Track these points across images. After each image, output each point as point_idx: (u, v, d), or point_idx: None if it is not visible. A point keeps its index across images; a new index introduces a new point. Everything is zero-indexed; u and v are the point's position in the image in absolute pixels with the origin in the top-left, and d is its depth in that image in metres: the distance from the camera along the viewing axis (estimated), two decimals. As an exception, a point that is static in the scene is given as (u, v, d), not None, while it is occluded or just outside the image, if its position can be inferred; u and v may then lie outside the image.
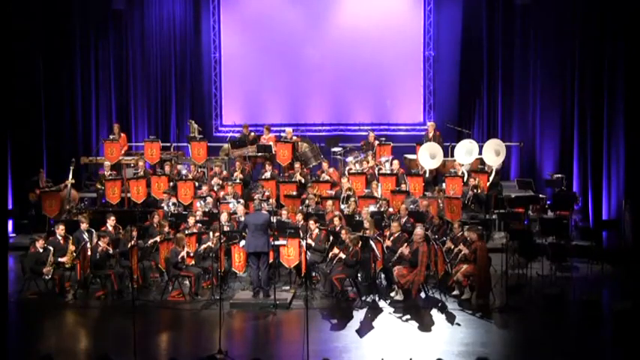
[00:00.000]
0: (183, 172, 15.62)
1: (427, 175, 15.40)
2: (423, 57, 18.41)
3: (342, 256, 11.58)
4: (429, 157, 15.38)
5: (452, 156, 15.75)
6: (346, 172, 15.43)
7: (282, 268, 12.37)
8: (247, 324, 10.97)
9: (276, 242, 11.86)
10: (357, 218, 13.10)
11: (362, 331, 10.65)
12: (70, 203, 14.91)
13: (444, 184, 14.86)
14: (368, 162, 15.51)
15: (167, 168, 15.56)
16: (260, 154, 16.07)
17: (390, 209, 13.65)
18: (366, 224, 12.30)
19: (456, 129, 17.37)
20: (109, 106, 18.34)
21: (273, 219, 12.61)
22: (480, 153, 15.47)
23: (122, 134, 16.83)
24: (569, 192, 15.30)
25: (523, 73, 17.39)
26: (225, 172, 15.68)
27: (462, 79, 18.19)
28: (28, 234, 14.64)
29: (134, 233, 11.98)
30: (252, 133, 16.86)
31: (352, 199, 14.09)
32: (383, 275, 12.24)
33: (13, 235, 15.35)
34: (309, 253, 11.82)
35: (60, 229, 12.28)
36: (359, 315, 11.09)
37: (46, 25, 17.12)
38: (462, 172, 14.95)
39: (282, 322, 10.94)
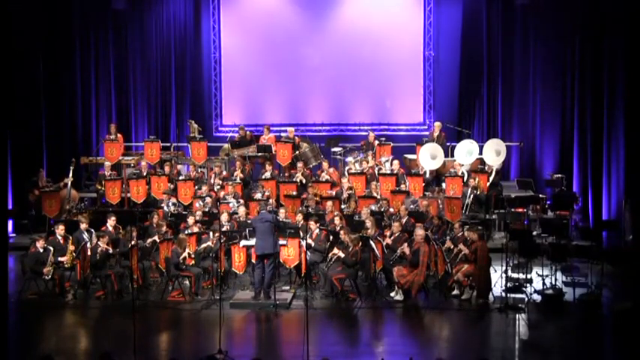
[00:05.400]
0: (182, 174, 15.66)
1: (427, 175, 15.39)
2: (423, 57, 18.39)
3: (341, 255, 11.58)
4: (429, 157, 15.37)
5: (452, 156, 15.74)
6: (346, 172, 15.43)
7: (282, 268, 12.36)
8: (247, 324, 10.97)
9: (277, 242, 11.87)
10: (357, 218, 13.11)
11: (362, 332, 10.66)
12: (70, 203, 14.91)
13: (443, 184, 14.87)
14: (368, 162, 15.51)
15: (167, 168, 15.56)
16: (260, 154, 16.08)
17: (391, 209, 13.66)
18: (368, 223, 12.30)
19: (456, 129, 17.36)
20: (109, 106, 18.33)
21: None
22: (480, 153, 15.46)
23: (119, 135, 16.79)
24: (569, 192, 15.30)
25: (523, 73, 17.39)
26: (225, 172, 15.69)
27: (461, 79, 18.17)
28: (28, 234, 14.66)
29: (134, 233, 11.97)
30: (249, 133, 16.88)
31: (352, 199, 14.10)
32: (383, 275, 12.24)
33: (13, 235, 15.35)
34: (309, 253, 11.82)
35: (60, 229, 12.27)
36: (359, 315, 11.09)
37: (46, 25, 17.13)
38: (462, 172, 14.95)
39: (282, 322, 10.94)
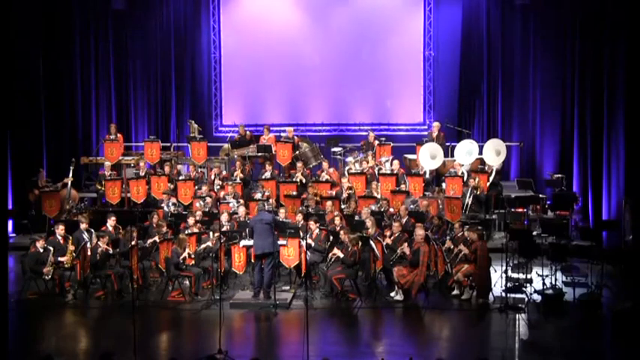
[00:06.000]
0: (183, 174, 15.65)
1: (427, 175, 15.39)
2: (423, 57, 18.39)
3: (340, 255, 11.58)
4: (429, 157, 15.37)
5: (452, 156, 15.74)
6: (346, 172, 15.43)
7: (282, 268, 12.36)
8: (247, 324, 10.97)
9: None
10: (357, 218, 13.11)
11: (362, 332, 10.66)
12: (70, 203, 14.91)
13: (443, 184, 14.87)
14: (368, 162, 15.51)
15: (167, 168, 15.56)
16: (260, 154, 16.08)
17: (391, 209, 13.66)
18: (368, 223, 12.31)
19: (456, 129, 17.36)
20: (109, 106, 18.34)
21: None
22: (480, 153, 15.46)
23: (119, 135, 16.79)
24: (569, 192, 15.30)
25: (523, 73, 17.39)
26: (225, 172, 15.70)
27: (461, 79, 18.17)
28: (28, 234, 14.65)
29: (134, 233, 11.97)
30: (249, 133, 16.89)
31: (352, 199, 14.10)
32: (383, 275, 12.24)
33: (13, 235, 15.36)
34: (309, 253, 11.82)
35: (60, 229, 12.27)
36: (359, 315, 11.09)
37: (46, 25, 17.14)
38: (462, 172, 14.95)
39: (282, 322, 10.93)
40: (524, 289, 11.58)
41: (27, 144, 16.26)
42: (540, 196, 14.72)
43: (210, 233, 12.52)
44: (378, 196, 14.13)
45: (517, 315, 10.88)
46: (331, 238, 12.39)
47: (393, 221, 12.57)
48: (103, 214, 13.27)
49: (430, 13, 18.28)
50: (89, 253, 11.87)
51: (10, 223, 14.83)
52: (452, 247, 11.87)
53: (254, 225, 11.59)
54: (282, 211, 13.33)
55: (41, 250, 11.86)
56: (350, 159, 15.97)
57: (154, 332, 10.59)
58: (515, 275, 12.09)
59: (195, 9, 18.75)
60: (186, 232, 12.42)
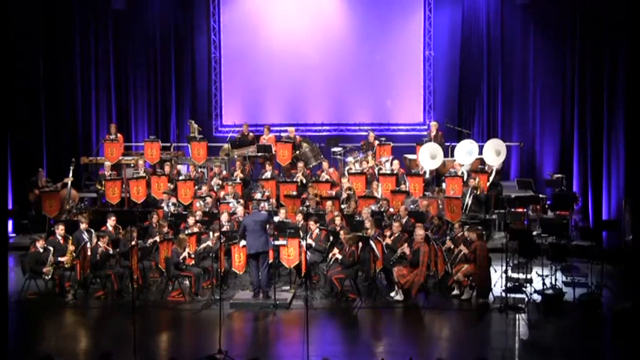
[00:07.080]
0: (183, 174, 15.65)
1: (427, 175, 15.39)
2: (423, 57, 18.39)
3: (339, 256, 11.59)
4: (429, 157, 15.38)
5: (452, 156, 15.75)
6: (346, 172, 15.44)
7: (282, 268, 12.36)
8: (247, 324, 10.97)
9: (276, 242, 11.86)
10: (357, 218, 13.11)
11: (362, 331, 10.66)
12: (70, 203, 14.92)
13: (443, 184, 14.87)
14: (368, 162, 15.51)
15: (167, 168, 15.56)
16: (260, 154, 16.08)
17: (391, 209, 13.67)
18: (368, 223, 12.31)
19: (456, 129, 17.36)
20: (109, 106, 18.33)
21: (275, 219, 12.64)
22: (480, 153, 15.47)
23: (119, 135, 16.78)
24: (569, 192, 15.30)
25: (523, 73, 17.40)
26: (225, 172, 15.70)
27: (461, 79, 18.18)
28: (28, 234, 14.65)
29: (134, 233, 11.96)
30: (251, 134, 16.89)
31: (352, 199, 14.11)
32: (383, 275, 12.24)
33: (13, 235, 15.36)
34: (309, 253, 11.82)
35: (60, 229, 12.27)
36: (359, 315, 11.09)
37: (46, 25, 17.14)
38: (462, 172, 14.96)
39: (282, 322, 10.94)
40: (524, 289, 11.57)
41: (27, 144, 16.26)
42: (540, 196, 14.72)
43: (210, 233, 12.52)
44: (379, 196, 14.13)
45: (517, 315, 10.88)
46: (331, 238, 12.39)
47: (393, 221, 12.57)
48: (103, 214, 13.27)
49: (430, 13, 18.28)
50: (89, 253, 11.88)
51: (10, 223, 14.83)
52: (452, 247, 11.87)
53: (247, 224, 11.56)
54: (282, 211, 13.34)
55: (41, 250, 11.86)
56: (350, 159, 15.97)
57: (154, 332, 10.58)
58: (515, 275, 12.09)
59: (195, 9, 18.75)
60: (186, 232, 12.42)
